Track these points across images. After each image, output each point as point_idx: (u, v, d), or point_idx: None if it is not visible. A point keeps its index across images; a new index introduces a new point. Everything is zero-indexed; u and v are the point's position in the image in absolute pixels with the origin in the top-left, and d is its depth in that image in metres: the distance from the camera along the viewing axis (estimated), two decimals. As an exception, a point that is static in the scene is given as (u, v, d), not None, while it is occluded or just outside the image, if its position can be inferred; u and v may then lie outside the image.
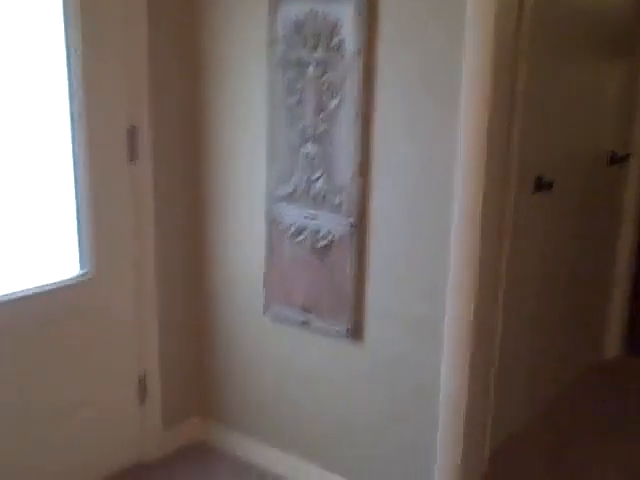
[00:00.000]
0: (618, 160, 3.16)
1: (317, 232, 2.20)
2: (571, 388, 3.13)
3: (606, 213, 3.25)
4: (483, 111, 1.88)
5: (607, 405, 3.05)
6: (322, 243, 2.20)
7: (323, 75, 2.12)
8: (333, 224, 2.16)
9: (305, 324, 2.29)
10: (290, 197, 2.25)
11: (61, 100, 2.18)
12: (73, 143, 2.21)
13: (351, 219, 2.13)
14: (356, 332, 2.19)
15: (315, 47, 2.12)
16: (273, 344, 2.42)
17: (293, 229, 2.25)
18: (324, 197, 2.17)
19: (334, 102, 2.11)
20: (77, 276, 2.32)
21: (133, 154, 2.33)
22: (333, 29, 2.08)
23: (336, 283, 2.19)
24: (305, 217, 2.22)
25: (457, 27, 1.88)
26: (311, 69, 2.14)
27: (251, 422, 2.55)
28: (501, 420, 2.47)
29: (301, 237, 2.24)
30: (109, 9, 2.20)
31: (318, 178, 2.18)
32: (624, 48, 3.12)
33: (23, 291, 2.17)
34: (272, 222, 2.30)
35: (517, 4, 2.00)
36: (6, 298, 2.13)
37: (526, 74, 2.20)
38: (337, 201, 2.14)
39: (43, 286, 2.22)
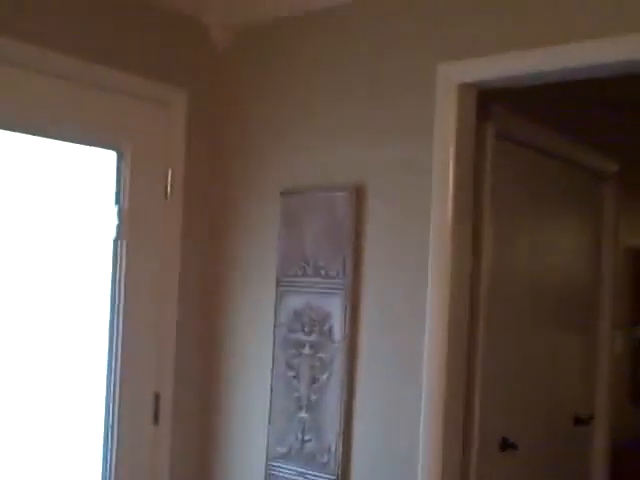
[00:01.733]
0: (583, 421, 3.54)
1: (307, 490, 2.57)
2: None
3: (574, 472, 3.57)
4: (441, 383, 2.34)
5: None
6: (312, 502, 2.56)
7: (316, 354, 2.60)
8: (321, 482, 2.54)
9: None
10: (285, 455, 2.63)
11: (100, 369, 2.65)
12: (108, 408, 2.64)
13: (334, 477, 2.50)
14: None
15: (310, 332, 2.62)
16: None
17: (287, 485, 2.63)
18: (313, 456, 2.56)
19: (324, 376, 2.57)
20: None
21: (157, 417, 2.75)
22: (324, 318, 2.59)
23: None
24: (297, 473, 2.59)
25: (419, 317, 2.38)
26: (307, 349, 2.63)
27: None
28: None
29: (294, 493, 2.61)
30: (148, 301, 2.75)
31: (309, 440, 2.58)
32: (583, 321, 3.62)
33: None
34: (270, 477, 2.67)
35: (471, 273, 2.50)
36: None
37: (486, 342, 2.62)
38: (323, 460, 2.53)
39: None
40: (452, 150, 2.37)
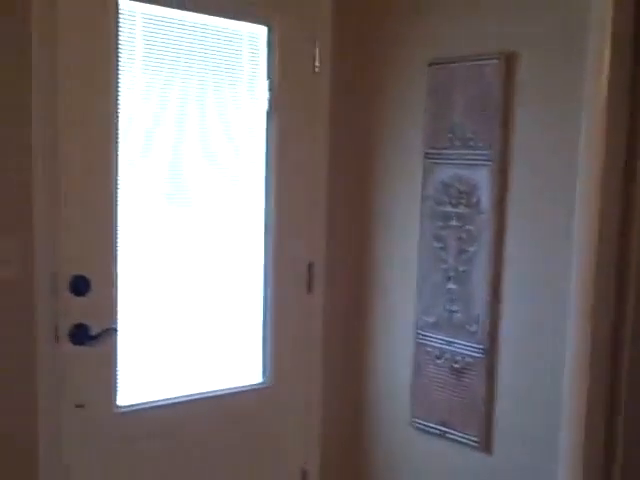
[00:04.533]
0: None
1: (455, 355, 2.62)
2: None
3: None
4: (591, 264, 2.27)
5: None
6: (458, 365, 2.61)
7: (463, 226, 2.59)
8: (468, 349, 2.58)
9: (443, 435, 2.68)
10: (434, 325, 2.69)
11: (257, 239, 2.80)
12: (264, 275, 2.80)
13: (483, 345, 2.54)
14: (486, 445, 2.56)
15: (457, 204, 2.61)
16: (416, 452, 2.81)
17: (435, 352, 2.69)
18: (461, 326, 2.60)
19: (472, 248, 2.57)
20: (258, 384, 2.85)
21: (310, 286, 2.90)
22: (472, 190, 2.56)
23: (470, 401, 2.58)
24: (445, 342, 2.66)
25: (569, 189, 2.31)
26: (454, 220, 2.62)
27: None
28: None
29: (441, 359, 2.67)
30: (299, 173, 2.85)
31: (457, 311, 2.62)
32: None
33: (214, 391, 2.72)
34: (419, 345, 2.75)
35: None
36: (201, 396, 2.67)
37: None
38: (472, 330, 2.57)
39: (231, 389, 2.76)
40: (609, 15, 2.21)
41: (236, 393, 2.79)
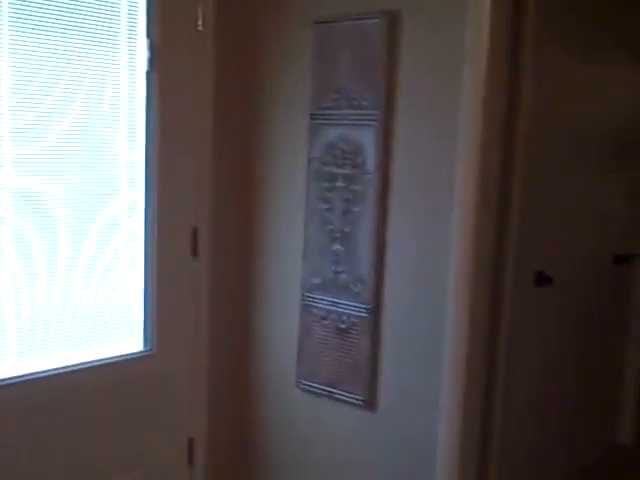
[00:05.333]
0: (624, 259, 3.50)
1: (340, 316, 2.64)
2: (583, 474, 3.35)
3: (614, 307, 3.57)
4: (471, 219, 2.32)
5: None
6: (344, 325, 2.63)
7: (349, 187, 2.60)
8: (353, 309, 2.60)
9: (329, 395, 2.70)
10: (319, 287, 2.70)
11: (139, 204, 2.69)
12: (146, 240, 2.70)
13: (368, 305, 2.56)
14: (370, 403, 2.59)
15: (343, 164, 2.61)
16: (303, 413, 2.82)
17: (321, 313, 2.69)
18: (347, 287, 2.61)
19: (357, 209, 2.58)
20: (141, 352, 2.76)
21: (195, 251, 2.82)
22: (358, 150, 2.56)
23: (355, 360, 2.60)
24: (331, 303, 2.66)
25: (451, 148, 2.35)
26: (340, 182, 2.62)
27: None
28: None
29: (327, 320, 2.68)
30: (183, 137, 2.76)
31: (342, 272, 2.63)
32: (629, 152, 3.50)
33: (94, 361, 2.60)
34: (304, 307, 2.75)
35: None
36: (80, 367, 2.56)
37: (523, 177, 2.52)
38: (357, 290, 2.58)
39: (111, 358, 2.65)
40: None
41: (117, 362, 2.68)
